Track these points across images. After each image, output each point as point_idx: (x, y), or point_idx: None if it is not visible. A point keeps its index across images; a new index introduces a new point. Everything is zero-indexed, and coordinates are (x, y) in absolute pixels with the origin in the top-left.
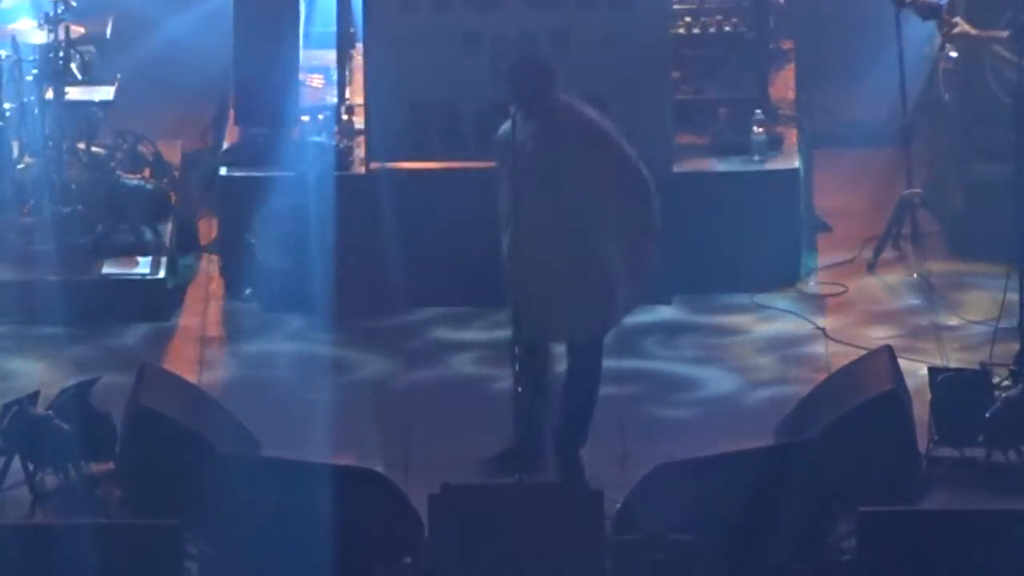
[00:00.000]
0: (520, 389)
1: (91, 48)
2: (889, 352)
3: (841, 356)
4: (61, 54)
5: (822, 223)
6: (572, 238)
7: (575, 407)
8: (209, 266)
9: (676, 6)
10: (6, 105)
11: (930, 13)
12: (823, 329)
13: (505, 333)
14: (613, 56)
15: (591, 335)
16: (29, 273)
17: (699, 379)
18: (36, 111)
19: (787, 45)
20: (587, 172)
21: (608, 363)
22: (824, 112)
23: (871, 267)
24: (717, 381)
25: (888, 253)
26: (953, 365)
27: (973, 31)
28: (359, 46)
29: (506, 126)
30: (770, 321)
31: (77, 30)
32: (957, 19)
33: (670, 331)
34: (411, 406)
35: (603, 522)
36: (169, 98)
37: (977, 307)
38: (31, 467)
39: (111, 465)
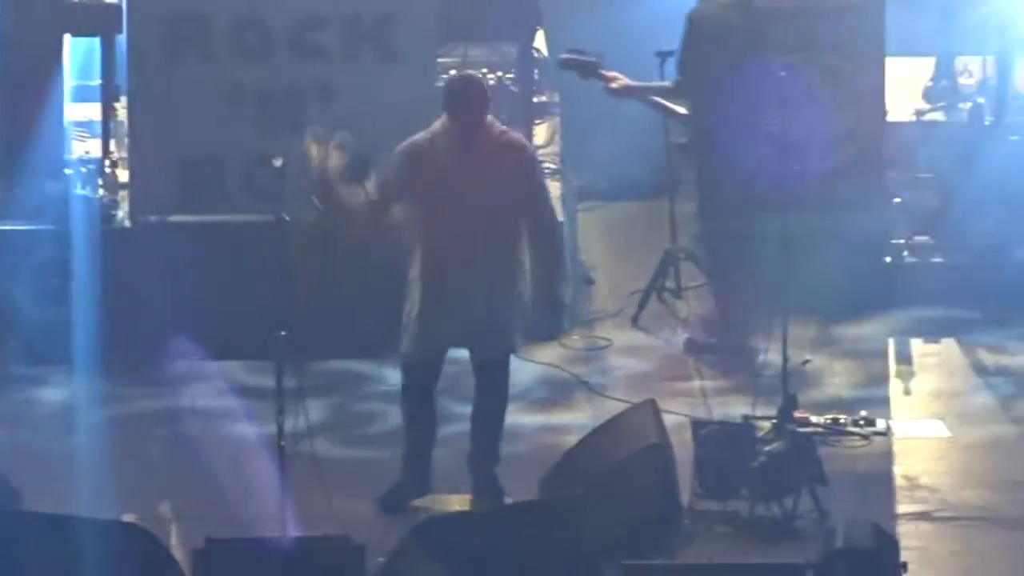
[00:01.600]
0: (410, 410)
1: None
2: (653, 405)
3: (605, 409)
4: None
5: (587, 276)
6: (498, 253)
7: (489, 427)
8: None
9: (441, 59)
10: None
11: (589, 72)
12: (587, 382)
13: (267, 383)
14: (379, 109)
15: (507, 349)
16: None
17: (464, 430)
18: None
19: (552, 97)
20: (515, 190)
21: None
22: (589, 165)
23: (635, 320)
24: None
25: (652, 306)
26: (716, 418)
27: (633, 83)
28: (123, 99)
29: (420, 138)
30: (534, 374)
31: None
32: (614, 73)
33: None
34: (175, 458)
35: None
36: None
37: (741, 360)
38: None
39: None
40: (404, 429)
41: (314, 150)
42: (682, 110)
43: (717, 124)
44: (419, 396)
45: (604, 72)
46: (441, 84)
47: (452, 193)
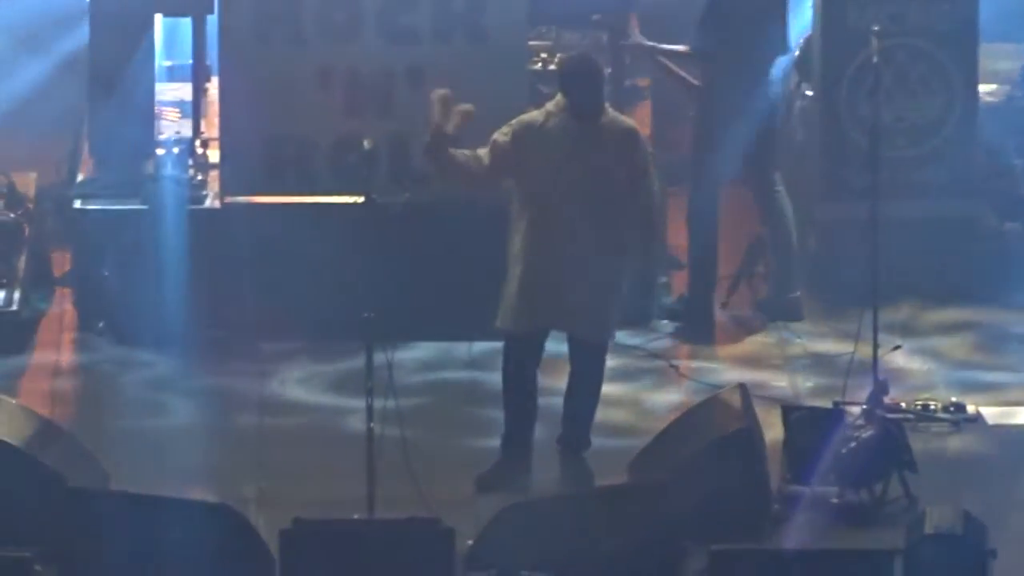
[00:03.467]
0: (510, 389)
1: None
2: (742, 390)
3: (694, 394)
4: None
5: (676, 261)
6: (603, 236)
7: (582, 412)
8: (62, 299)
9: (532, 42)
10: None
11: (638, 56)
12: (676, 367)
13: (355, 365)
14: (469, 91)
15: (604, 334)
16: None
17: (557, 411)
18: None
19: (643, 82)
20: (622, 173)
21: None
22: (680, 149)
23: (724, 305)
24: None
25: (741, 291)
26: (806, 404)
27: (646, 43)
28: (214, 79)
29: (534, 116)
30: (624, 358)
31: None
32: (631, 31)
33: None
34: (264, 439)
35: (455, 559)
36: (23, 129)
37: (832, 346)
38: None
39: None
40: (504, 408)
41: (438, 108)
42: (693, 80)
43: (724, 94)
44: (519, 375)
45: (667, 64)
46: (532, 68)
47: (562, 172)
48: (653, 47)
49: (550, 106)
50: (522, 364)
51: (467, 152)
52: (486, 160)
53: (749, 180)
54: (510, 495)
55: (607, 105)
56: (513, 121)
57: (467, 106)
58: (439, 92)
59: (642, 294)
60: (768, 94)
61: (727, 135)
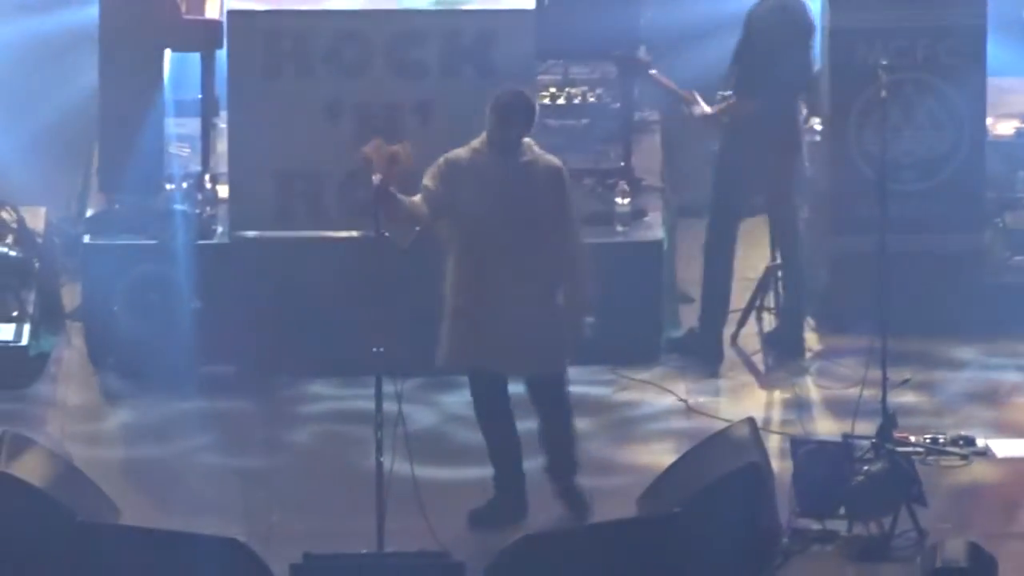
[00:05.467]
0: (486, 424)
1: None
2: (751, 424)
3: (703, 428)
4: None
5: (685, 295)
6: (535, 269)
7: (560, 441)
8: (72, 334)
9: (541, 76)
10: None
11: (634, 70)
12: (685, 401)
13: (365, 403)
14: (478, 126)
15: (555, 368)
16: None
17: None
18: None
19: (652, 116)
20: (551, 208)
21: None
22: (689, 182)
23: (734, 339)
24: (583, 451)
25: (750, 324)
26: (815, 437)
27: (708, 110)
28: (223, 114)
29: (459, 153)
30: (632, 392)
31: None
32: (695, 102)
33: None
34: (273, 474)
35: None
36: (33, 164)
37: (841, 379)
38: None
39: None
40: (487, 446)
41: (375, 160)
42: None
43: (751, 126)
44: (490, 412)
45: (656, 74)
46: (540, 102)
47: (488, 208)
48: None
49: (475, 143)
50: (489, 400)
51: (413, 199)
52: (424, 207)
53: (772, 212)
54: (518, 528)
55: (531, 143)
56: (439, 160)
57: (396, 147)
58: (370, 147)
59: (647, 328)
60: (794, 125)
61: (751, 168)
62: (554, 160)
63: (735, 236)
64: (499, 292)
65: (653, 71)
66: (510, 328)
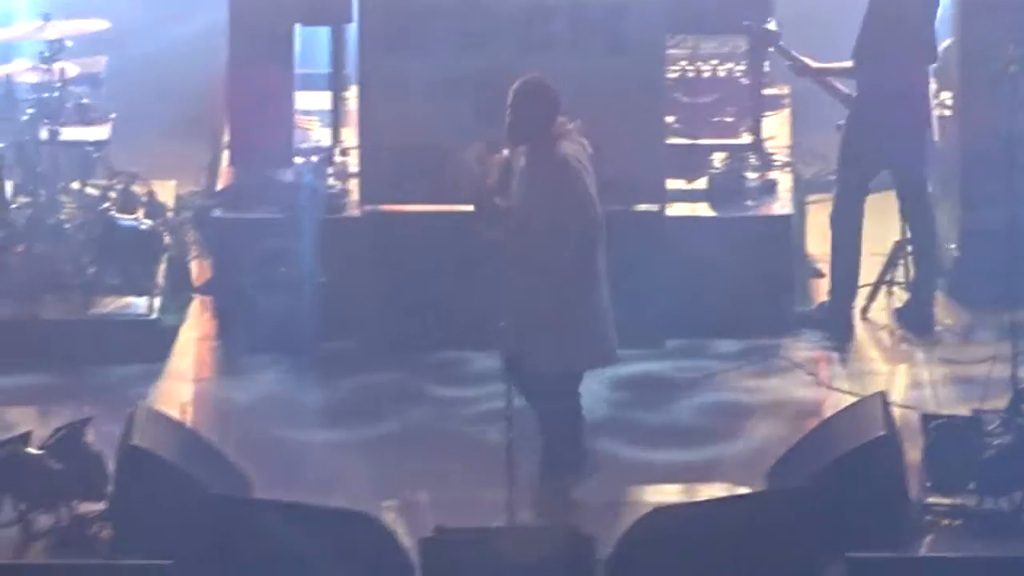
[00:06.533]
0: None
1: (86, 87)
2: (882, 398)
3: (833, 402)
4: (56, 94)
5: (815, 269)
6: (535, 268)
7: (551, 451)
8: (202, 307)
9: (671, 51)
10: (0, 144)
11: (763, 42)
12: (814, 374)
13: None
14: (606, 101)
15: (537, 368)
16: (21, 313)
17: (694, 424)
18: (31, 151)
19: (782, 90)
20: (548, 208)
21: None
22: (819, 158)
23: (864, 313)
24: (711, 426)
25: (880, 299)
26: (946, 412)
27: (812, 64)
28: (353, 88)
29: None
30: (762, 365)
31: (72, 69)
32: (794, 52)
33: (660, 378)
34: (404, 448)
35: (595, 566)
36: (164, 138)
37: (971, 354)
38: (22, 507)
39: (102, 505)
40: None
41: (476, 167)
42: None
43: (878, 102)
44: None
45: (784, 47)
46: (670, 77)
47: (515, 201)
48: (820, 68)
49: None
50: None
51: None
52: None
53: (900, 187)
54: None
55: (559, 133)
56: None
57: (500, 155)
58: (473, 151)
59: (777, 302)
60: (923, 100)
61: (880, 142)
62: (560, 153)
63: (862, 210)
64: (510, 287)
65: (781, 43)
66: (516, 322)
